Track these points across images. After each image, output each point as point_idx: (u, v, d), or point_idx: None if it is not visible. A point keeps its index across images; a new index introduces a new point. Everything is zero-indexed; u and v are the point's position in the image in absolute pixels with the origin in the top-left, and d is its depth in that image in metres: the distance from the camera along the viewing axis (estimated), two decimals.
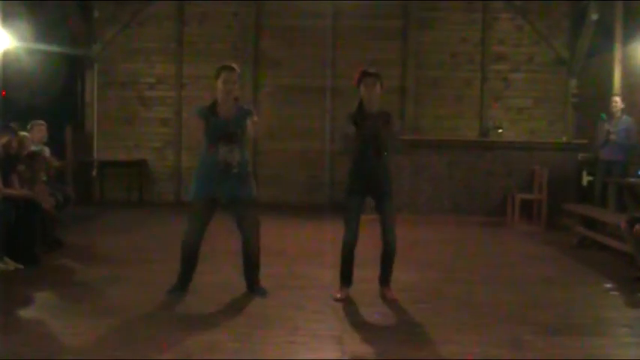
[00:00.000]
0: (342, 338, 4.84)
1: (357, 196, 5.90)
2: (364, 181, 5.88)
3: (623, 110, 10.00)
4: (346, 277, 6.00)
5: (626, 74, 10.80)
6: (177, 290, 5.96)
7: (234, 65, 5.92)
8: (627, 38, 10.85)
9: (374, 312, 5.58)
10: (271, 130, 13.41)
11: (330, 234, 9.14)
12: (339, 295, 5.94)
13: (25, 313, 5.55)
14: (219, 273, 6.70)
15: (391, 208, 5.92)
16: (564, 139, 12.29)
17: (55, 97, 12.46)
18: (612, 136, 9.80)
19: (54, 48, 12.06)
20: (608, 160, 9.97)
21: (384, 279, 6.04)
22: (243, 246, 6.02)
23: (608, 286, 6.76)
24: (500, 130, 12.47)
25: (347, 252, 5.92)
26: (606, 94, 10.67)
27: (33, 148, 8.39)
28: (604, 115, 10.07)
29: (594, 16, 11.95)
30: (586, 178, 11.19)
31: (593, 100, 11.94)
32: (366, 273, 6.15)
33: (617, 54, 10.92)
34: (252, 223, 5.98)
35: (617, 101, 9.99)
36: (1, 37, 10.52)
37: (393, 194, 5.96)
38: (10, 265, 6.87)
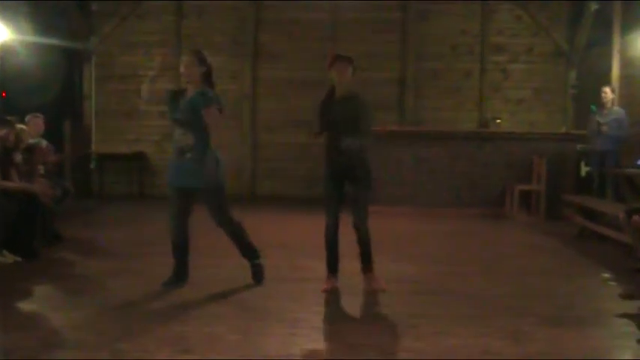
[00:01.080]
0: (343, 330, 4.84)
1: (332, 182, 5.88)
2: (337, 166, 5.84)
3: (613, 101, 10.01)
4: (331, 266, 5.99)
5: (625, 65, 10.79)
6: (172, 283, 5.96)
7: (193, 50, 6.00)
8: (626, 29, 10.84)
9: (374, 303, 5.59)
10: (270, 123, 13.40)
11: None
12: (325, 286, 5.93)
13: (25, 306, 5.55)
14: (219, 267, 6.70)
15: (361, 193, 5.84)
16: (563, 130, 12.29)
17: (54, 91, 12.46)
18: (604, 127, 9.80)
19: (52, 41, 12.03)
20: (600, 151, 9.98)
21: (364, 266, 5.97)
22: (223, 230, 6.02)
23: (607, 276, 6.77)
24: (499, 121, 12.46)
25: (329, 238, 5.92)
26: (605, 85, 10.65)
27: (30, 141, 8.37)
28: (594, 107, 10.08)
29: (594, 7, 11.93)
30: (584, 169, 11.19)
31: (592, 91, 11.92)
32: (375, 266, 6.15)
33: (616, 45, 10.91)
34: (216, 207, 5.88)
35: (607, 92, 10.00)
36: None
37: (368, 181, 5.89)
38: (9, 258, 6.88)
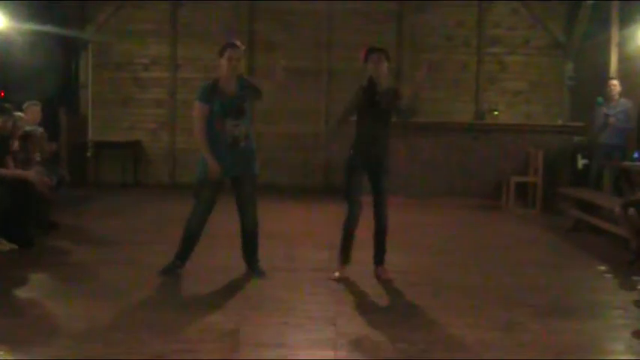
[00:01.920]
0: (337, 320, 4.84)
1: (358, 173, 5.94)
2: (365, 157, 5.93)
3: (620, 93, 9.96)
4: (347, 256, 6.03)
5: (623, 57, 10.77)
6: (170, 269, 5.96)
7: (238, 43, 5.98)
8: (624, 21, 10.81)
9: (369, 294, 5.59)
10: (266, 113, 13.36)
11: (324, 216, 9.16)
12: (337, 274, 5.96)
13: (20, 294, 5.54)
14: (215, 256, 6.69)
15: (386, 186, 5.98)
16: (560, 122, 12.28)
17: (49, 79, 12.40)
18: (612, 119, 9.75)
19: (48, 29, 11.98)
20: (607, 144, 9.88)
21: (379, 258, 6.06)
22: (243, 225, 6.03)
23: (603, 269, 6.78)
24: (495, 113, 12.45)
25: (351, 229, 5.96)
26: (603, 77, 10.64)
27: (27, 128, 8.35)
28: (601, 100, 10.02)
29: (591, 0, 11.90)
30: (581, 162, 11.18)
31: (589, 84, 11.92)
32: (362, 254, 6.14)
33: (614, 37, 10.89)
34: (253, 201, 6.00)
35: (615, 85, 9.94)
36: None
37: (389, 173, 6.03)
38: (5, 245, 6.86)
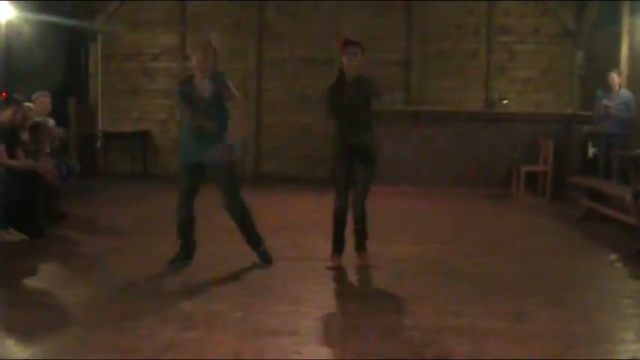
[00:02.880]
0: (343, 308, 4.85)
1: (344, 163, 5.98)
2: (345, 147, 5.98)
3: (620, 84, 9.98)
4: (338, 246, 6.06)
5: (633, 46, 10.70)
6: (178, 260, 5.99)
7: (204, 43, 6.04)
8: (635, 10, 10.72)
9: (377, 282, 5.59)
10: (275, 103, 13.36)
11: (331, 207, 9.15)
12: (330, 264, 6.00)
13: (31, 283, 5.58)
14: (221, 246, 6.69)
15: (369, 173, 6.00)
16: (570, 111, 12.22)
17: (59, 69, 12.43)
18: (612, 110, 9.77)
19: (57, 20, 11.99)
20: (607, 134, 9.93)
21: (356, 245, 6.12)
22: (229, 214, 6.08)
23: (613, 258, 6.76)
24: (505, 102, 12.39)
25: (338, 219, 6.00)
26: (613, 66, 10.58)
27: (37, 119, 8.37)
28: (600, 93, 10.04)
29: None
30: (591, 150, 11.13)
31: (599, 72, 11.83)
32: (368, 244, 6.15)
33: (625, 26, 10.81)
34: (231, 187, 5.99)
35: (614, 78, 9.97)
36: (3, 8, 10.46)
37: (376, 161, 6.08)
38: (16, 236, 6.89)
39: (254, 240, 6.16)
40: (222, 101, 5.94)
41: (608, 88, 9.98)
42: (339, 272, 5.84)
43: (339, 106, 5.93)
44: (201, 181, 6.05)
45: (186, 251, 6.07)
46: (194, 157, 5.93)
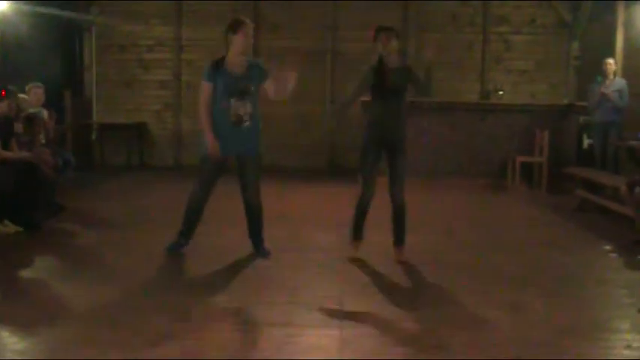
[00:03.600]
0: (343, 299, 4.86)
1: (374, 151, 5.92)
2: (381, 136, 5.90)
3: (615, 72, 10.01)
4: (359, 233, 6.05)
5: (629, 37, 10.70)
6: (175, 247, 6.00)
7: (248, 20, 5.96)
8: (630, 1, 10.73)
9: (375, 273, 5.60)
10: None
11: (330, 197, 9.16)
12: (355, 254, 5.98)
13: (26, 276, 5.57)
14: (221, 236, 6.70)
15: (404, 165, 6.03)
16: (565, 101, 12.23)
17: (53, 61, 12.38)
18: (611, 94, 9.78)
19: (51, 11, 11.94)
20: (603, 122, 9.94)
21: (398, 239, 6.08)
22: (246, 205, 6.02)
23: (608, 248, 6.78)
24: (501, 93, 12.39)
25: (364, 208, 5.97)
26: (609, 56, 10.58)
27: (31, 110, 8.35)
28: (600, 77, 10.05)
29: None
30: (587, 141, 11.14)
31: (595, 63, 11.84)
32: (371, 234, 6.16)
33: (621, 17, 10.82)
34: (256, 180, 5.97)
35: (611, 63, 9.99)
36: None
37: (406, 152, 6.05)
38: (11, 228, 6.88)
39: (261, 234, 6.13)
40: (259, 88, 5.87)
41: (603, 74, 10.00)
42: (336, 264, 5.84)
43: (382, 90, 5.85)
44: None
45: (185, 237, 6.07)
46: (227, 149, 5.84)
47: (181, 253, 6.03)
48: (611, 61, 10.04)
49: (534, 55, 13.25)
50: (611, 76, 9.95)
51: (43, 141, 8.25)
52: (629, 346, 4.02)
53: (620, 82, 9.91)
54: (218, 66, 5.83)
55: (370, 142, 5.92)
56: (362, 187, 5.96)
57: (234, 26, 5.84)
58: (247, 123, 5.82)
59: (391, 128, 5.92)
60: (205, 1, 13.31)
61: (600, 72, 10.11)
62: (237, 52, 5.82)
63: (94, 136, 13.52)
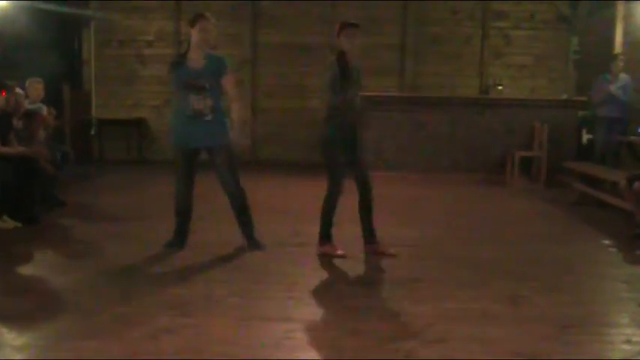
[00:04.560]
0: (342, 293, 4.86)
1: (341, 147, 5.88)
2: (342, 130, 5.87)
3: (621, 68, 10.03)
4: (330, 233, 6.03)
5: (628, 32, 10.70)
6: (173, 245, 6.00)
7: (208, 14, 5.92)
8: None
9: (373, 268, 5.60)
10: (271, 88, 13.34)
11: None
12: (342, 252, 5.94)
13: (25, 270, 5.57)
14: (218, 231, 6.70)
15: (365, 156, 6.04)
16: (565, 96, 12.23)
17: (52, 56, 12.35)
18: (618, 92, 9.79)
19: (51, 7, 11.92)
20: (609, 117, 9.94)
21: (372, 235, 6.04)
22: (228, 196, 6.05)
23: (607, 242, 6.78)
24: (500, 88, 12.39)
25: (335, 205, 5.94)
26: (608, 51, 10.58)
27: (30, 106, 8.34)
28: (608, 76, 10.02)
29: None
30: (585, 136, 11.15)
31: (594, 58, 11.85)
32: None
33: (620, 11, 10.81)
34: (230, 171, 5.95)
35: (622, 60, 9.98)
36: None
37: (365, 147, 6.08)
38: (10, 223, 6.88)
39: (248, 226, 6.14)
40: (219, 81, 5.85)
41: (613, 71, 9.98)
42: (337, 259, 5.83)
43: (347, 89, 5.83)
44: (197, 166, 6.01)
45: (180, 237, 6.07)
46: (190, 142, 5.88)
47: (182, 247, 6.04)
48: (622, 57, 10.02)
49: (534, 49, 13.25)
50: (620, 73, 9.96)
51: (43, 137, 8.24)
52: (628, 341, 4.02)
53: (625, 78, 9.93)
54: (179, 60, 5.90)
55: (336, 138, 5.87)
56: (334, 185, 5.92)
57: (193, 20, 5.86)
58: (208, 117, 5.83)
59: (353, 122, 5.92)
60: None
61: (606, 67, 10.06)
62: (194, 45, 5.85)
63: (93, 132, 13.51)
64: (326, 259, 5.82)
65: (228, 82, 5.91)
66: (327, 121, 5.92)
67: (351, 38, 5.86)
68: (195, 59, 5.85)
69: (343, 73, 5.81)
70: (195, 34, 5.80)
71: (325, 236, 6.00)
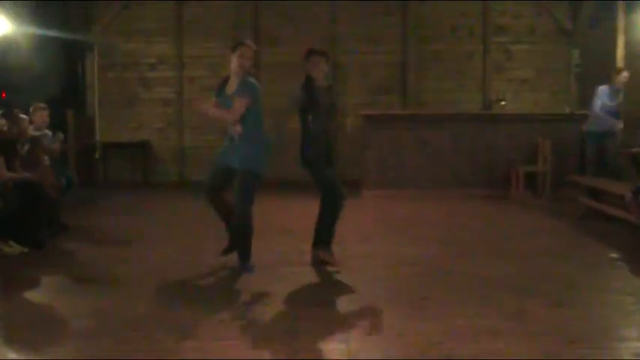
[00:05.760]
0: (348, 312, 4.84)
1: (323, 162, 6.14)
2: (323, 149, 6.13)
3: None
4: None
5: (629, 44, 10.72)
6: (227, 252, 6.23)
7: (249, 42, 6.11)
8: (630, 8, 10.74)
9: (379, 286, 5.59)
10: (273, 107, 13.33)
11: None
12: (336, 267, 6.04)
13: (30, 295, 5.56)
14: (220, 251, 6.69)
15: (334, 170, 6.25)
16: (567, 110, 12.24)
17: (56, 81, 12.45)
18: (620, 125, 9.75)
19: (53, 32, 12.00)
20: (600, 132, 9.83)
21: (330, 241, 6.17)
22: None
23: (614, 255, 6.76)
24: (503, 103, 12.41)
25: (340, 211, 6.10)
26: (609, 64, 10.58)
27: (35, 133, 8.36)
28: (609, 90, 9.88)
29: None
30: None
31: (595, 70, 11.86)
32: (370, 247, 6.16)
33: (621, 24, 10.83)
34: (240, 195, 5.98)
35: (626, 77, 9.88)
36: (0, 22, 10.47)
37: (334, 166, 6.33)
38: (16, 249, 6.89)
39: (239, 249, 6.14)
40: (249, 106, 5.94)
41: (617, 86, 9.83)
42: (342, 276, 5.83)
43: (319, 114, 6.07)
44: (228, 183, 6.12)
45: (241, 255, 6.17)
46: (224, 159, 6.06)
47: (182, 269, 6.04)
48: (626, 73, 9.92)
49: (535, 63, 13.30)
50: (621, 87, 9.87)
51: (47, 162, 8.26)
52: (637, 354, 4.00)
53: (621, 92, 9.88)
54: (221, 84, 6.14)
55: (320, 157, 6.12)
56: (337, 194, 6.06)
57: (233, 46, 6.07)
58: (237, 142, 5.98)
59: (328, 144, 6.19)
60: (206, 18, 13.37)
61: (608, 80, 9.91)
62: (232, 71, 6.04)
63: (97, 155, 13.56)
64: (331, 277, 5.81)
65: (234, 102, 5.93)
66: (308, 146, 6.15)
67: (315, 66, 6.11)
68: (232, 84, 6.03)
69: (310, 97, 6.05)
70: (233, 60, 5.97)
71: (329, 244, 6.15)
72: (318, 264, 6.11)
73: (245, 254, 6.08)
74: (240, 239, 6.12)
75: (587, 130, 10.10)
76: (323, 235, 6.16)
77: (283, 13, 13.37)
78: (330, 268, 6.04)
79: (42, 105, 8.91)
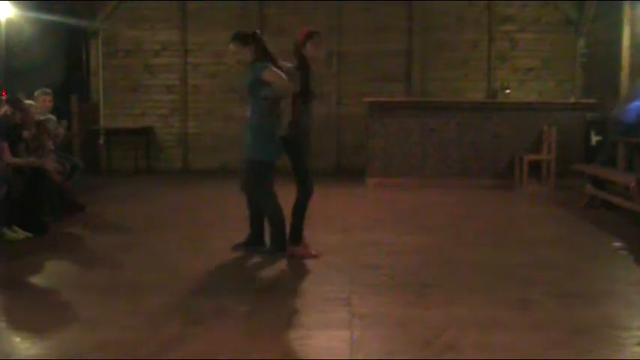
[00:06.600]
0: (351, 300, 4.85)
1: (308, 147, 6.12)
2: (305, 134, 6.08)
3: None
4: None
5: (635, 34, 10.66)
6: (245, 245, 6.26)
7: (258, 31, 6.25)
8: None
9: (382, 274, 5.59)
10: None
11: (336, 199, 9.14)
12: (314, 252, 6.06)
13: (35, 281, 5.59)
14: (229, 239, 6.68)
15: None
16: (572, 99, 12.20)
17: (60, 67, 12.42)
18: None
19: (57, 18, 11.97)
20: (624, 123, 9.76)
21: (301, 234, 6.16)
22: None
23: (618, 245, 6.75)
24: (507, 92, 12.37)
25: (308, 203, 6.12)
26: (615, 54, 10.52)
27: (40, 117, 8.36)
28: None
29: None
30: (594, 138, 11.09)
31: (601, 60, 11.82)
32: (374, 235, 6.15)
33: (627, 15, 10.77)
34: (250, 181, 6.08)
35: None
36: (3, 6, 10.45)
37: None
38: (20, 233, 6.90)
39: (273, 232, 6.17)
40: (258, 92, 5.89)
41: None
42: (344, 265, 5.83)
43: (314, 91, 6.05)
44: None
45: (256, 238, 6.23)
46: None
47: (187, 256, 6.05)
48: None
49: (540, 52, 13.23)
50: None
51: (52, 147, 8.27)
52: None
53: None
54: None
55: (303, 139, 6.04)
56: (307, 187, 6.14)
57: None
58: (248, 131, 6.00)
59: (310, 124, 6.11)
60: (211, 5, 13.33)
61: (613, 70, 9.84)
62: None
63: (101, 141, 13.56)
64: (334, 266, 5.81)
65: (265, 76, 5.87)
66: (294, 129, 6.00)
67: (318, 46, 6.10)
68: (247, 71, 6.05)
69: (307, 81, 5.98)
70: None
71: (299, 238, 6.10)
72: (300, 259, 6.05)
73: (278, 241, 6.10)
74: (272, 227, 6.15)
75: (622, 120, 9.98)
76: (298, 229, 6.14)
77: (288, 3, 13.31)
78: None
79: (46, 90, 8.92)
